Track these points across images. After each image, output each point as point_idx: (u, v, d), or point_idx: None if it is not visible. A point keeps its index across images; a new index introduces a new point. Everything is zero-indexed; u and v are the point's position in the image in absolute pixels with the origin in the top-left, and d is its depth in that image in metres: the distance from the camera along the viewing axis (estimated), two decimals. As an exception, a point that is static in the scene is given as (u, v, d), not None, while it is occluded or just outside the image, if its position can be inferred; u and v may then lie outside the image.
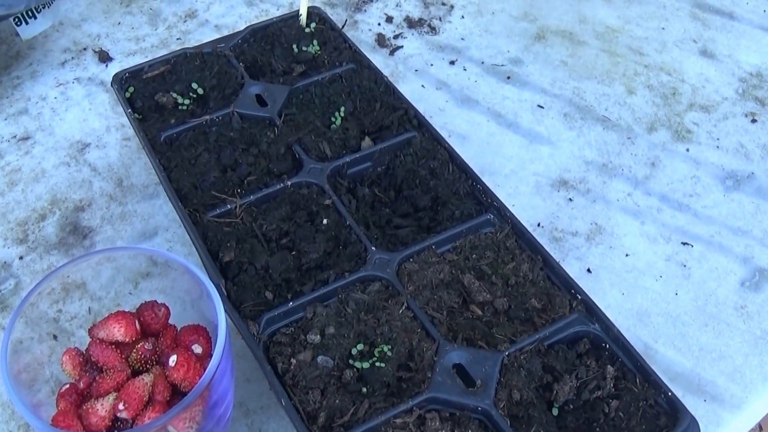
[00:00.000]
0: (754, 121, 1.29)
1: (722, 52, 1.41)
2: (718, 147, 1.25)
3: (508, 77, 1.35)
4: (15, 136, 1.24)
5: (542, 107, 1.30)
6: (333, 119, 1.08)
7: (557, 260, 0.95)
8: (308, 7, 1.20)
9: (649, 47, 1.42)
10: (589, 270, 1.08)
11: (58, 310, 0.89)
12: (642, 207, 1.16)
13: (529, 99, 1.31)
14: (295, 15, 1.20)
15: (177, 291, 0.89)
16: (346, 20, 1.42)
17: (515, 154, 1.23)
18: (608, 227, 1.13)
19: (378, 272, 0.92)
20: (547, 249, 0.95)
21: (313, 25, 1.20)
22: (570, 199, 1.16)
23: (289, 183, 1.00)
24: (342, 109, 1.09)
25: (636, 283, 1.07)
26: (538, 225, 1.13)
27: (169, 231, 1.12)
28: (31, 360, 0.84)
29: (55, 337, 0.88)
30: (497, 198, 0.98)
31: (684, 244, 1.12)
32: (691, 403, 0.95)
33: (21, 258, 1.09)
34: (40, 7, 1.27)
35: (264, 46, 1.18)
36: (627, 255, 1.10)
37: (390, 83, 1.12)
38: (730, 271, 1.09)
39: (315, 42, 1.18)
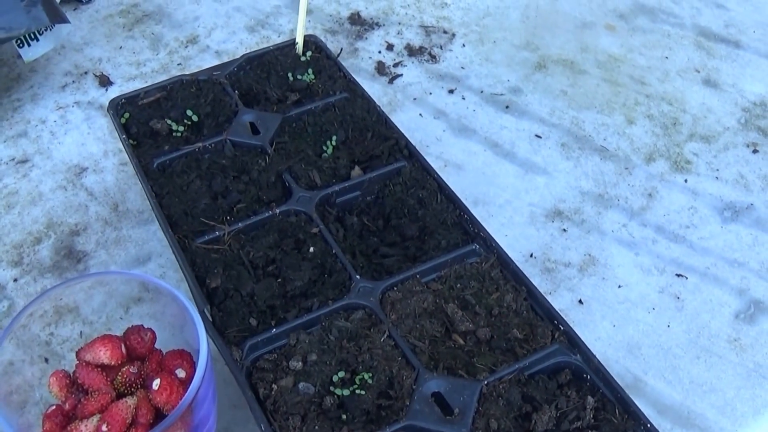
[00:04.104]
0: (755, 151, 1.28)
1: (726, 81, 1.41)
2: (717, 178, 1.24)
3: (507, 106, 1.35)
4: (13, 159, 1.26)
5: (540, 137, 1.30)
6: (324, 148, 1.09)
7: (548, 291, 0.94)
8: (305, 36, 1.20)
9: (651, 77, 1.41)
10: (580, 301, 1.08)
11: (50, 333, 0.90)
12: (637, 238, 1.15)
13: (527, 128, 1.31)
14: (292, 43, 1.21)
15: (166, 316, 0.90)
16: (342, 49, 1.43)
17: (510, 184, 1.22)
18: (602, 258, 1.13)
19: (361, 300, 0.92)
20: (539, 280, 0.95)
21: (309, 53, 1.21)
22: (564, 230, 1.16)
23: (277, 211, 1.00)
24: (334, 138, 1.10)
25: (628, 314, 1.07)
26: (531, 255, 1.12)
27: (162, 256, 1.12)
28: (21, 382, 0.85)
29: (46, 360, 0.89)
30: (484, 228, 0.98)
31: (678, 275, 1.11)
32: (678, 436, 0.95)
33: (15, 280, 1.10)
34: (43, 29, 1.29)
35: (259, 74, 1.19)
36: (620, 286, 1.10)
37: (382, 112, 1.13)
38: (724, 303, 1.08)
39: (310, 70, 1.19)
